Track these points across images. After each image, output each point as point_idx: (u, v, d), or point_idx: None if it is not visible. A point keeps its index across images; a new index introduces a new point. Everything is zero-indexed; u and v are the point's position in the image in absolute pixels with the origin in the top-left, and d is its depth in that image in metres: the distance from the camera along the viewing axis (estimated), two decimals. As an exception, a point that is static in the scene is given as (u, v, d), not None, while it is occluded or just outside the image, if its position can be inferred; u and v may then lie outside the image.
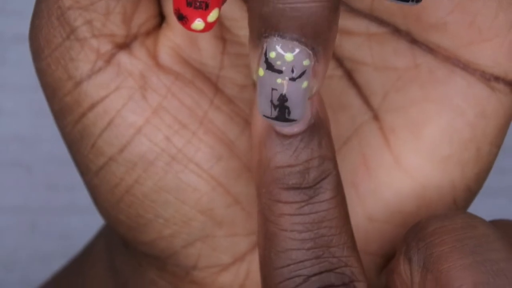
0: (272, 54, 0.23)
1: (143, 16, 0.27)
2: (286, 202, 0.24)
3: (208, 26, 0.23)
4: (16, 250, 0.73)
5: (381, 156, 0.28)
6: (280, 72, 0.23)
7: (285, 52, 0.22)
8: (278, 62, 0.23)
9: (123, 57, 0.26)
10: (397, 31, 0.28)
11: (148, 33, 0.27)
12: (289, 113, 0.23)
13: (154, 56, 0.27)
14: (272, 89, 0.23)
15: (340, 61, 0.28)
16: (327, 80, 0.28)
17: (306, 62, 0.23)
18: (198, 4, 0.23)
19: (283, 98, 0.23)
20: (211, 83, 0.27)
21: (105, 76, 0.26)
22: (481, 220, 0.25)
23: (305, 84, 0.23)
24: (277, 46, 0.22)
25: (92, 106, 0.26)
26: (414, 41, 0.28)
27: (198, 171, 0.27)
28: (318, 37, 0.23)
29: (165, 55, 0.27)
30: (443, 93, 0.28)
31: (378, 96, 0.28)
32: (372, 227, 0.28)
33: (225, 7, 0.26)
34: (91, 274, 0.33)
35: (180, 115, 0.27)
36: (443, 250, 0.24)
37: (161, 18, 0.28)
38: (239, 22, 0.27)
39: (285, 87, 0.23)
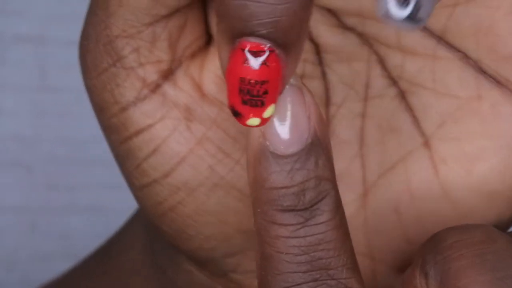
0: None
1: (189, 39, 0.26)
2: (281, 224, 0.24)
3: (264, 121, 0.23)
4: (16, 250, 0.73)
5: (428, 185, 0.27)
6: None
7: None
8: None
9: (168, 89, 0.26)
10: (465, 58, 0.27)
11: (193, 55, 0.26)
12: (417, 12, 0.22)
13: (199, 86, 0.26)
14: None
15: (394, 81, 0.28)
16: (377, 99, 0.28)
17: None
18: (253, 102, 0.22)
19: None
20: None
21: (151, 105, 0.26)
22: (501, 233, 0.24)
23: None
24: None
25: (138, 132, 0.26)
26: (481, 71, 0.27)
27: (240, 196, 0.27)
28: None
29: (210, 83, 0.26)
30: (503, 131, 0.27)
31: (433, 123, 0.27)
32: (411, 250, 0.28)
33: None
34: (128, 254, 0.33)
35: (224, 145, 0.26)
36: (461, 265, 0.23)
37: (208, 36, 0.27)
38: None
39: None
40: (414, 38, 0.27)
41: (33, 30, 0.71)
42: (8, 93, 0.72)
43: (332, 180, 0.24)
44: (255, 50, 0.22)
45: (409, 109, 0.28)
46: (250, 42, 0.22)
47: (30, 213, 0.73)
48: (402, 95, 0.28)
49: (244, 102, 0.22)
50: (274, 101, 0.23)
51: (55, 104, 0.72)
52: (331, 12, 0.26)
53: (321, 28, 0.27)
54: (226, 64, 0.22)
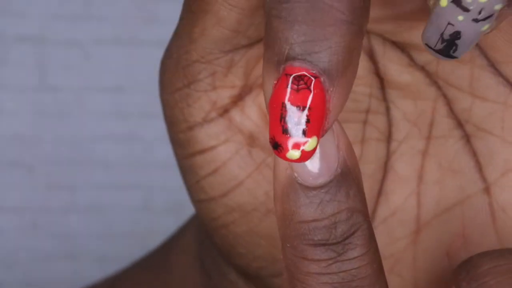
0: None
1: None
2: (312, 259, 0.22)
3: (305, 156, 0.21)
4: (16, 250, 0.73)
5: (484, 232, 0.26)
6: (466, 10, 0.21)
7: None
8: (469, 0, 0.21)
9: (235, 115, 0.26)
10: None
11: None
12: (455, 50, 0.21)
13: (265, 115, 0.26)
14: (449, 23, 0.21)
15: (460, 123, 0.27)
16: (441, 139, 0.27)
17: (497, 7, 0.21)
18: (294, 131, 0.21)
19: (456, 35, 0.21)
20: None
21: (217, 128, 0.26)
22: None
23: (485, 27, 0.21)
24: None
25: (201, 152, 0.26)
26: None
27: None
28: None
29: None
30: None
31: (497, 171, 0.26)
32: None
33: None
34: (179, 261, 0.33)
35: None
36: None
37: None
38: (359, 79, 0.26)
39: (464, 27, 0.21)
40: (487, 84, 0.26)
41: (33, 30, 0.71)
42: (8, 93, 0.72)
43: (364, 212, 0.23)
44: (299, 74, 0.21)
45: (473, 153, 0.27)
46: (294, 68, 0.21)
47: (30, 213, 0.73)
48: (467, 138, 0.27)
49: (285, 131, 0.21)
50: (316, 133, 0.21)
51: (55, 104, 0.73)
52: (404, 50, 0.26)
53: (390, 66, 0.26)
54: (270, 96, 0.21)
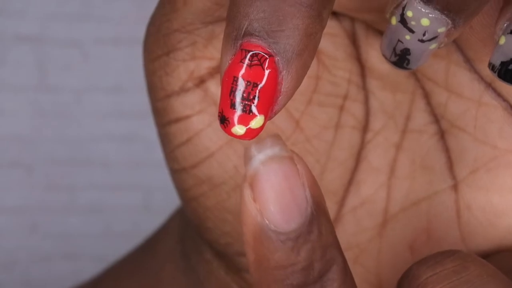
0: (409, 13, 0.21)
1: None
2: None
3: (250, 133, 0.21)
4: (16, 250, 0.73)
5: (448, 229, 0.27)
6: (411, 31, 0.21)
7: (423, 17, 0.21)
8: (413, 22, 0.21)
9: (211, 86, 0.26)
10: (510, 109, 0.26)
11: None
12: (408, 63, 0.22)
13: None
14: (398, 40, 0.22)
15: (436, 118, 0.27)
16: (416, 134, 0.27)
17: (441, 30, 0.21)
18: (242, 106, 0.21)
19: (406, 52, 0.22)
20: (292, 120, 0.27)
21: (192, 98, 0.26)
22: (473, 259, 0.24)
23: (433, 46, 0.22)
24: (417, 8, 0.21)
25: (176, 120, 0.26)
26: None
27: None
28: (462, 12, 0.21)
29: None
30: None
31: (466, 169, 0.27)
32: None
33: (329, 45, 0.26)
34: (164, 244, 0.34)
35: None
36: None
37: None
38: (340, 63, 0.26)
39: (412, 45, 0.22)
40: (463, 80, 0.26)
41: (33, 30, 0.72)
42: (8, 93, 0.72)
43: (336, 244, 0.23)
44: (254, 50, 0.21)
45: (446, 149, 0.27)
46: (251, 44, 0.21)
47: (30, 213, 0.73)
48: (442, 134, 0.27)
49: (233, 106, 0.21)
50: (264, 111, 0.21)
51: (55, 104, 0.73)
52: None
53: (372, 52, 0.27)
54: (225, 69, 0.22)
